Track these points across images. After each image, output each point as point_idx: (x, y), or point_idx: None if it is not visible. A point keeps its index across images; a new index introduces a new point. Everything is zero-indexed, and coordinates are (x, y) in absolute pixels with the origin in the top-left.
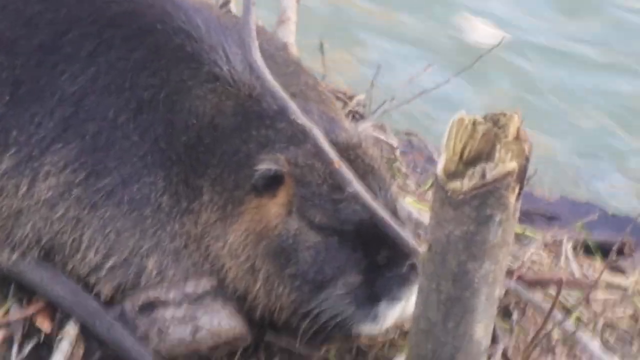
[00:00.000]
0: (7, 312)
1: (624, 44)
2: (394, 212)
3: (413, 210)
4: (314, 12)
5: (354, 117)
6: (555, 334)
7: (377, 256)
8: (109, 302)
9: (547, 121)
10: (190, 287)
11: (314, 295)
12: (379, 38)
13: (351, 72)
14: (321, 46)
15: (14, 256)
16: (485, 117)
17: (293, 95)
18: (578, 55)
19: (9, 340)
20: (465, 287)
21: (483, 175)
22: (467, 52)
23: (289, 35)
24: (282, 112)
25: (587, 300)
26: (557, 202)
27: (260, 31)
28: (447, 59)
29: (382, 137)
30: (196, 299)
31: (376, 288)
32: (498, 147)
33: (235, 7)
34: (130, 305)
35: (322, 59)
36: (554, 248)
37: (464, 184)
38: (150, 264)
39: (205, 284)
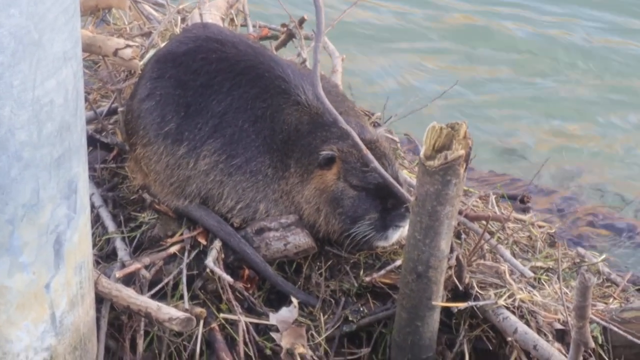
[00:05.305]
0: (181, 234)
1: None
2: (397, 178)
3: (407, 177)
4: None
5: (374, 125)
6: (486, 247)
7: (387, 203)
8: (238, 228)
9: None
10: (283, 220)
11: (352, 225)
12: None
13: (374, 100)
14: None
15: (185, 202)
16: (447, 125)
17: (341, 113)
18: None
19: (182, 250)
20: (435, 220)
21: (446, 158)
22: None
23: (338, 79)
24: (335, 122)
25: (503, 228)
26: (487, 174)
27: (323, 77)
28: (428, 91)
29: (390, 136)
30: (287, 227)
31: (387, 221)
32: (454, 142)
33: (309, 63)
34: (250, 229)
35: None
36: (485, 198)
37: (435, 163)
38: (261, 207)
39: (291, 218)
